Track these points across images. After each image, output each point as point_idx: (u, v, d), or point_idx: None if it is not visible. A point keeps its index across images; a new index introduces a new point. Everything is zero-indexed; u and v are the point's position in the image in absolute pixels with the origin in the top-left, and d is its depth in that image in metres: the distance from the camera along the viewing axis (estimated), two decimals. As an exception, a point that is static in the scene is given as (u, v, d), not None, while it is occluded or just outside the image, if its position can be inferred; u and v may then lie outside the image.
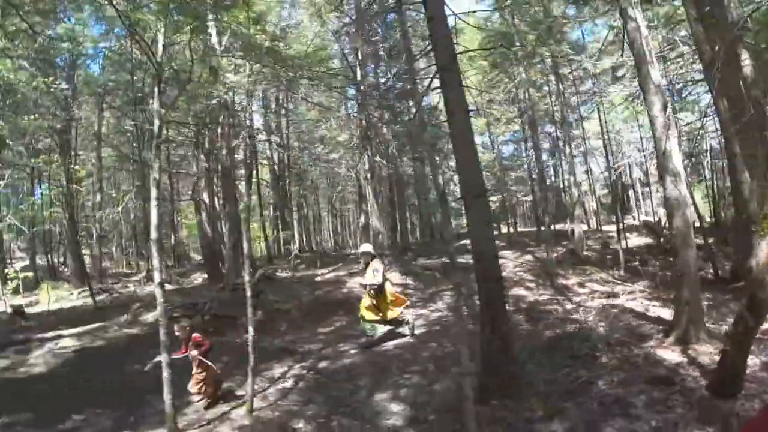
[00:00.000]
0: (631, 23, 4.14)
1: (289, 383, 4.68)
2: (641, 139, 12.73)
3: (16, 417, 4.35)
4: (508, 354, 3.64)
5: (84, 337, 7.58)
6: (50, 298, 10.65)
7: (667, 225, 11.35)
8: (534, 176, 12.90)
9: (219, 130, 9.98)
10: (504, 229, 16.13)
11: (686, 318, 4.14)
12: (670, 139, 4.17)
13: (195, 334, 4.13)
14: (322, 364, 5.17)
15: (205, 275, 13.68)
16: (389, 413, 3.73)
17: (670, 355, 3.97)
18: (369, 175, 10.09)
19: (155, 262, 3.75)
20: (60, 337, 7.54)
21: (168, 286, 11.92)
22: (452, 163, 16.52)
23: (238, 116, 9.88)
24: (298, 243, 14.75)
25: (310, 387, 4.52)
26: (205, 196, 11.11)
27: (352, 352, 5.56)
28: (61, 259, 16.28)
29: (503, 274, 9.03)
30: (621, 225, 8.87)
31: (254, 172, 11.51)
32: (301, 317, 7.42)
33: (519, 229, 14.28)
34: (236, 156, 10.35)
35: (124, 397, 4.54)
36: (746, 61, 4.65)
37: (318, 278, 9.69)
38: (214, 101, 9.45)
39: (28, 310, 9.99)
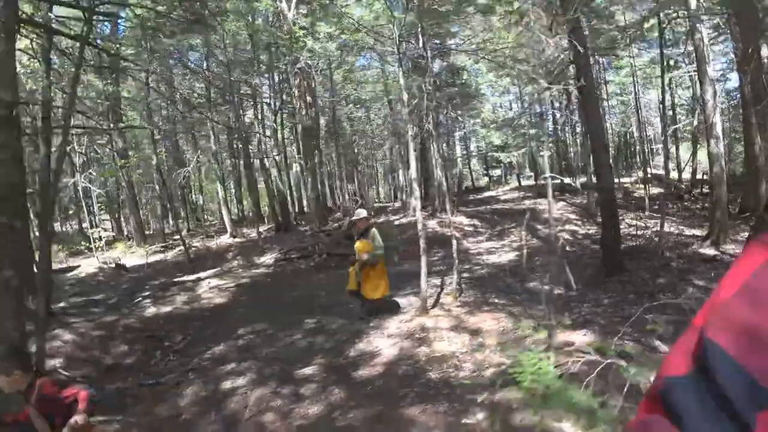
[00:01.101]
0: (697, 35, 6.66)
1: (453, 286, 7.29)
2: (659, 102, 15.65)
3: (256, 327, 6.53)
4: (618, 246, 6.44)
5: (224, 277, 9.83)
6: (147, 254, 12.61)
7: (677, 178, 14.56)
8: (560, 131, 15.64)
9: (296, 92, 11.84)
10: (524, 182, 19.07)
11: (717, 230, 7.05)
12: (715, 115, 6.88)
13: (43, 380, 2.37)
14: (464, 275, 7.81)
15: (258, 230, 15.81)
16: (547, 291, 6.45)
17: (709, 251, 6.89)
18: (434, 132, 12.39)
19: (416, 193, 6.11)
20: (199, 279, 9.72)
21: (236, 239, 14.14)
22: (478, 120, 19.00)
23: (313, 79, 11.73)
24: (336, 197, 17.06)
25: (473, 286, 7.15)
26: (275, 154, 13.06)
27: (476, 268, 8.24)
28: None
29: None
30: (648, 175, 11.84)
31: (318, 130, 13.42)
32: (409, 251, 9.99)
33: (540, 182, 17.17)
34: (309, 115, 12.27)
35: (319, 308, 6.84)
36: (765, 53, 7.35)
37: (396, 222, 12.24)
38: (299, 66, 11.32)
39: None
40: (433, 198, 13.32)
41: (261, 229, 15.35)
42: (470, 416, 3.16)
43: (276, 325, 6.32)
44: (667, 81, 10.60)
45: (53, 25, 5.37)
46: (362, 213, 5.83)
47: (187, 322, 7.19)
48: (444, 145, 22.36)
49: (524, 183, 18.95)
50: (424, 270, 5.95)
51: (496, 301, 6.26)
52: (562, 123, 16.18)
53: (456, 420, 3.17)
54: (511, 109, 19.05)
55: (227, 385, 4.49)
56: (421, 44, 12.25)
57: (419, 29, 12.04)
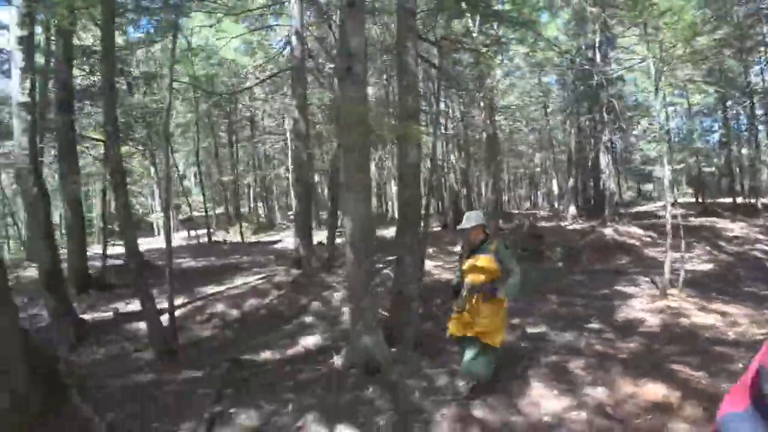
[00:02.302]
0: None
1: (681, 280, 8.93)
2: None
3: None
4: None
5: (436, 260, 12.25)
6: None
7: None
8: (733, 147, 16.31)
9: (481, 104, 14.15)
10: (680, 199, 19.67)
11: None
12: None
13: None
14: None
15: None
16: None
17: None
18: (609, 144, 14.01)
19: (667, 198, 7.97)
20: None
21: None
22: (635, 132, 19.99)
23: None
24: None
25: (686, 286, 8.74)
26: (452, 158, 15.57)
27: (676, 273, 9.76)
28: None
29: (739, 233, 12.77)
30: None
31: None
32: (593, 254, 11.76)
33: (706, 200, 17.78)
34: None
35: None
36: None
37: (569, 228, 14.02)
38: (487, 83, 13.57)
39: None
40: (600, 208, 14.85)
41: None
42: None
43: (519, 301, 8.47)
44: None
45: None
46: (475, 218, 4.05)
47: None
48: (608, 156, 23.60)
49: (680, 200, 19.56)
50: (668, 260, 7.78)
51: (720, 297, 7.84)
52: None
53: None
54: (668, 121, 19.86)
55: (533, 330, 6.62)
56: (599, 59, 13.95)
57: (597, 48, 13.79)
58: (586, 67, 12.53)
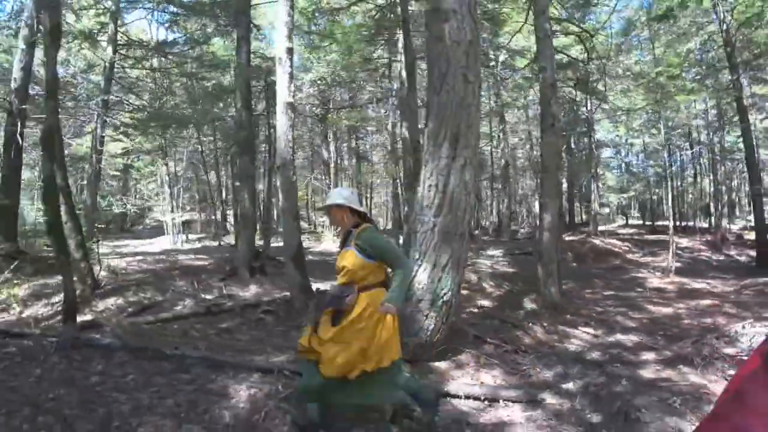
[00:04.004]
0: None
1: (673, 267, 14.04)
2: None
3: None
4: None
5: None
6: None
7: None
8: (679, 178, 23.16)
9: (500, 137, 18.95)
10: (630, 221, 26.21)
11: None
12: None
13: None
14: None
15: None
16: None
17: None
18: (594, 173, 19.55)
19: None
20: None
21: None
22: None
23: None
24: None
25: (677, 273, 13.91)
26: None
27: (656, 270, 15.06)
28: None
29: None
30: None
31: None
32: (593, 257, 16.81)
33: (657, 223, 24.27)
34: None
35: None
36: None
37: (567, 239, 19.13)
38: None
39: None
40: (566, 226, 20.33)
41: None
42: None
43: (578, 282, 12.98)
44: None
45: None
46: (339, 195, 3.17)
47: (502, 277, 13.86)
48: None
49: (631, 222, 26.12)
50: (671, 253, 12.85)
51: (698, 279, 13.06)
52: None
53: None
54: (625, 156, 26.94)
55: (606, 293, 11.11)
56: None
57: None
58: (585, 116, 17.96)
